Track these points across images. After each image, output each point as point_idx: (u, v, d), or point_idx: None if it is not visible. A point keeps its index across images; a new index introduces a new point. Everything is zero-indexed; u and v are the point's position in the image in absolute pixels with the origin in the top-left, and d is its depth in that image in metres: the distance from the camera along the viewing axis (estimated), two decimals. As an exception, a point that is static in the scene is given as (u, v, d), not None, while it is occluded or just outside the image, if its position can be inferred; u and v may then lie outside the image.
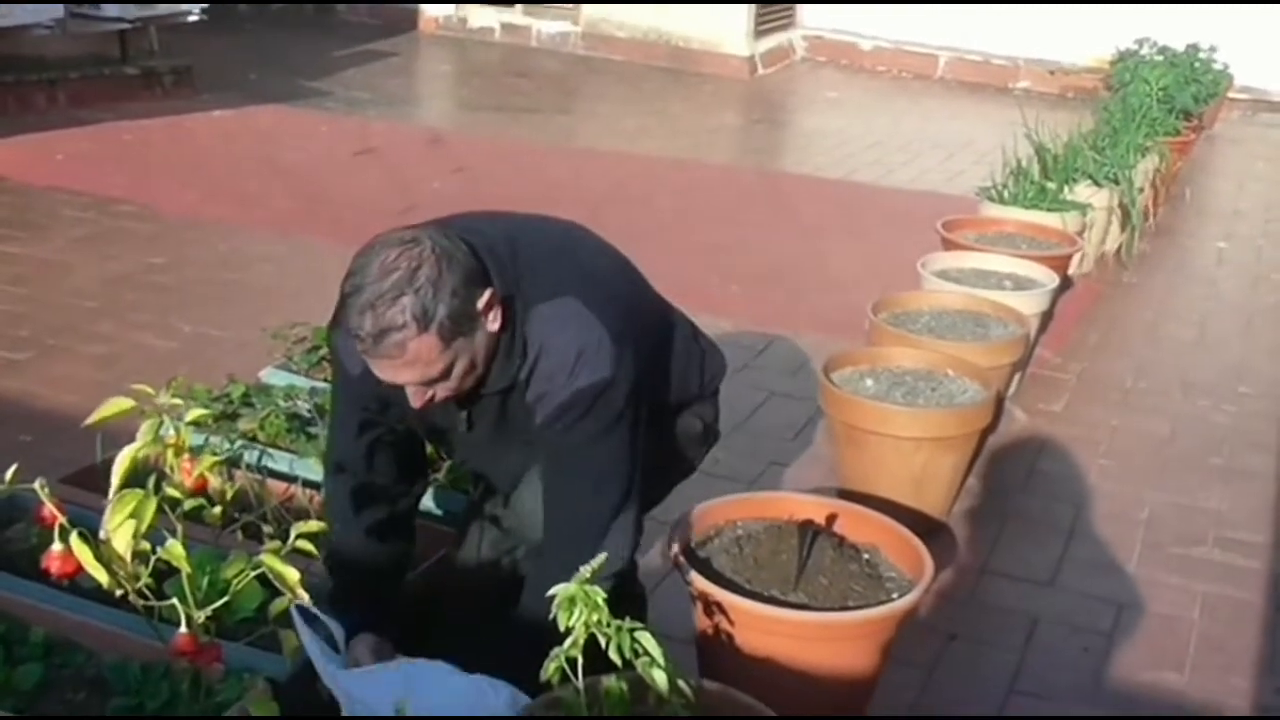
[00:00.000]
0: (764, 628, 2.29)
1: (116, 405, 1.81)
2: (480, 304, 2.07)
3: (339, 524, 2.36)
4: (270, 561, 1.84)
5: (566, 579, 1.84)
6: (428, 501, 2.75)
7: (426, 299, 2.00)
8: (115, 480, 1.78)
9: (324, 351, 3.43)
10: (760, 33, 11.10)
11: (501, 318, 2.11)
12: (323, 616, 2.18)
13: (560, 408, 2.17)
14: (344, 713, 2.08)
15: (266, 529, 2.57)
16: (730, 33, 10.87)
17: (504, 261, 2.15)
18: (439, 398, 2.13)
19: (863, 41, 11.40)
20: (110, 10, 8.23)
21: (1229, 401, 4.62)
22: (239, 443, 2.89)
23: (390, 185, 6.64)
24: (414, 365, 2.06)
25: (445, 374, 2.09)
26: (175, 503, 1.83)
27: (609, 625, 1.80)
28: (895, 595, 2.39)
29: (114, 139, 7.34)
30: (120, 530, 1.73)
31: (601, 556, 1.91)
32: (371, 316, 2.00)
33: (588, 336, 2.16)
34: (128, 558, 1.75)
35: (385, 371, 2.08)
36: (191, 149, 7.39)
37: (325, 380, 3.32)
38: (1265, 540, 3.62)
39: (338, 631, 2.19)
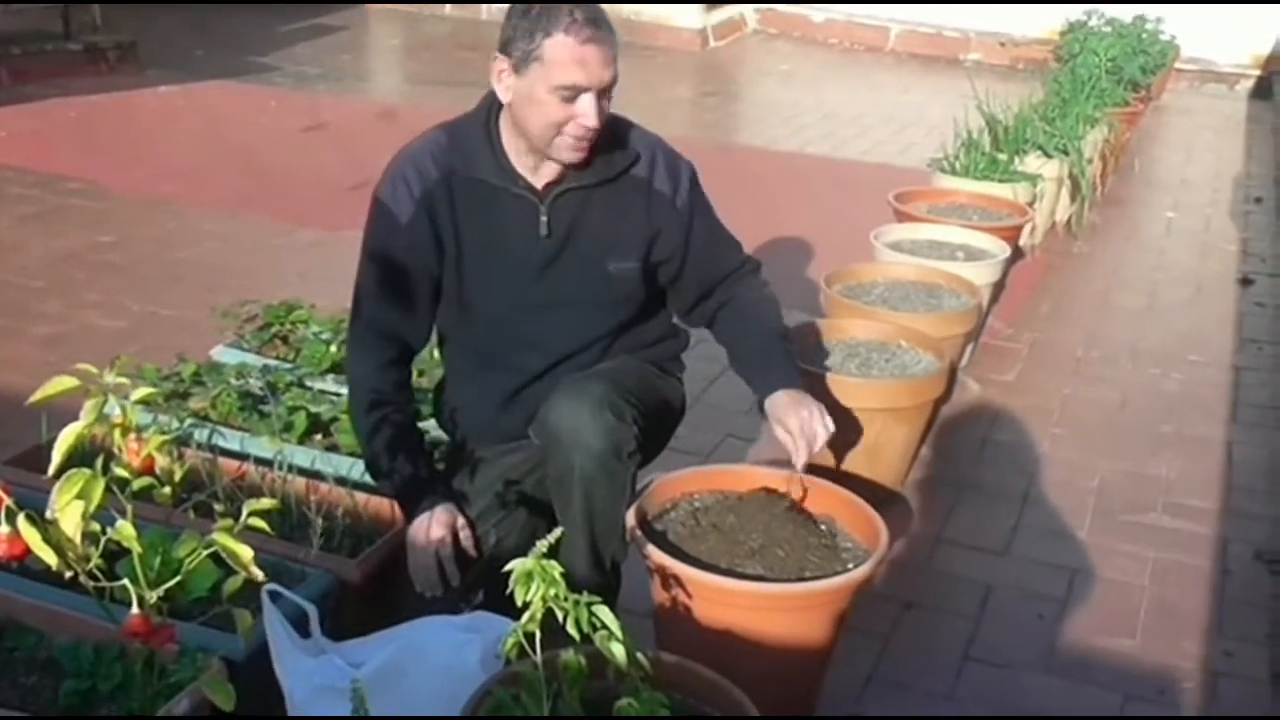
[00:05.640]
0: (720, 600, 2.29)
1: (60, 384, 1.77)
2: None
3: (388, 390, 2.52)
4: (223, 540, 1.81)
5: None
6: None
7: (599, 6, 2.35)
8: (56, 458, 1.75)
9: (275, 329, 3.40)
10: (712, 5, 11.07)
11: None
12: (295, 598, 2.16)
13: (691, 181, 2.60)
14: (288, 712, 2.07)
15: (218, 508, 2.55)
16: (682, 5, 10.82)
17: None
18: (595, 127, 2.35)
19: (814, 14, 11.40)
20: (51, -16, 8.11)
21: (1178, 370, 4.67)
22: (188, 421, 2.86)
23: (341, 160, 6.57)
24: (612, 61, 2.33)
25: (613, 83, 2.36)
26: (124, 483, 1.80)
27: (567, 599, 1.80)
28: (851, 565, 2.40)
29: (59, 116, 7.22)
30: (68, 511, 1.70)
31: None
32: (583, 7, 2.29)
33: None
34: (77, 539, 1.73)
35: (597, 63, 2.31)
36: (138, 126, 7.29)
37: (277, 358, 3.30)
38: (1213, 507, 3.67)
39: (311, 612, 2.18)
